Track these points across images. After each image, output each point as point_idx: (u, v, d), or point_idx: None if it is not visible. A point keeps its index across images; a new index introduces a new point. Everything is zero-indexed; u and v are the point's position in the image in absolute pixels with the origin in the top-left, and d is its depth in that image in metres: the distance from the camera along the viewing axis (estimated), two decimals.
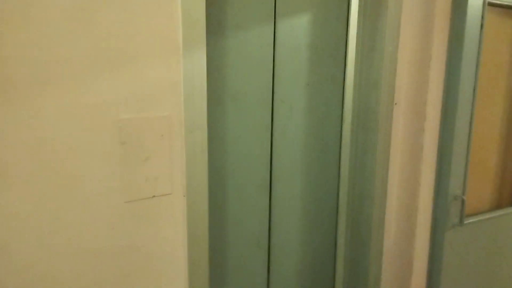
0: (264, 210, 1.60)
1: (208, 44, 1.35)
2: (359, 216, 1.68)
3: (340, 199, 1.76)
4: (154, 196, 1.10)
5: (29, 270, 0.97)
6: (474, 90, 1.66)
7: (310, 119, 1.63)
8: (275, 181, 1.59)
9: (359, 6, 1.59)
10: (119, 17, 1.00)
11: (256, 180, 1.55)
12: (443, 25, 1.63)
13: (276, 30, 1.49)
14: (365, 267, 1.66)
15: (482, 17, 1.62)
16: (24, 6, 0.89)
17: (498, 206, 2.00)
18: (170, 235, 1.14)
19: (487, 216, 1.86)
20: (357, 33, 1.61)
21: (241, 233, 1.55)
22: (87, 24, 0.97)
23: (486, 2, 1.61)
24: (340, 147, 1.73)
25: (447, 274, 1.78)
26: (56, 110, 0.96)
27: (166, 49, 1.07)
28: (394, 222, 1.69)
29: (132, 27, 1.02)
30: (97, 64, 0.99)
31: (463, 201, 1.72)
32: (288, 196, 1.64)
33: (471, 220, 1.80)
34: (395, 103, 1.59)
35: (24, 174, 0.94)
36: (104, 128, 1.02)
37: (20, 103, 0.92)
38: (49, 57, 0.94)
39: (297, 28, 1.54)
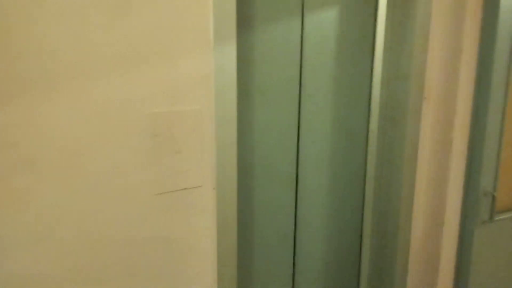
0: (290, 204, 1.60)
1: (236, 38, 1.36)
2: (385, 211, 1.66)
3: (366, 194, 1.75)
4: (185, 188, 1.12)
5: (66, 259, 1.01)
6: (506, 83, 1.62)
7: (337, 113, 1.62)
8: (302, 175, 1.60)
9: None
10: (152, 11, 1.01)
11: (283, 174, 1.55)
12: (475, 16, 1.59)
13: (303, 24, 1.49)
14: (391, 263, 1.65)
15: None
16: (63, 1, 0.91)
17: None
18: (200, 227, 1.16)
19: None
20: (385, 25, 1.59)
21: (267, 226, 1.56)
22: (121, 19, 0.98)
23: None
24: (367, 142, 1.71)
25: (476, 271, 1.74)
26: (91, 104, 0.98)
27: (198, 43, 1.08)
28: (422, 217, 1.67)
29: (164, 21, 1.03)
30: (130, 59, 1.01)
31: (493, 197, 1.69)
32: (314, 190, 1.64)
33: (501, 216, 1.76)
34: (425, 97, 1.56)
35: (60, 167, 0.97)
36: (137, 122, 1.04)
37: (57, 98, 0.94)
38: (85, 52, 0.96)
39: (324, 21, 1.52)
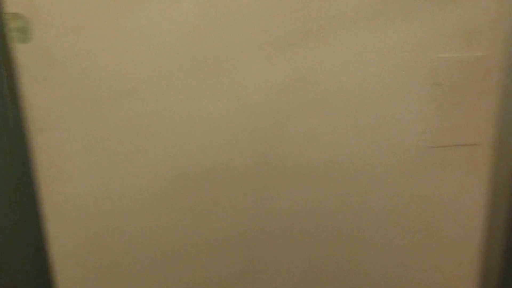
0: None
1: None
2: None
3: None
4: (459, 144, 1.02)
5: (336, 200, 1.03)
6: None
7: None
8: None
9: None
10: None
11: None
12: None
13: None
14: None
15: None
16: None
17: None
18: (471, 188, 1.05)
19: None
20: None
21: None
22: None
23: None
24: None
25: None
26: (373, 48, 0.96)
27: None
28: None
29: None
30: None
31: None
32: None
33: None
34: None
35: (342, 110, 0.97)
36: (418, 67, 0.97)
37: (339, 43, 0.94)
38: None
39: None
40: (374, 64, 0.96)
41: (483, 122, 1.01)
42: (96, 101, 0.89)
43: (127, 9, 0.85)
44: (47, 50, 0.84)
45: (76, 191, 0.94)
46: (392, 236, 1.07)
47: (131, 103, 0.91)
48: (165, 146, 0.95)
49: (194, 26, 0.88)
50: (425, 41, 0.96)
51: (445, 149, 1.02)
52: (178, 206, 0.99)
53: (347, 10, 0.92)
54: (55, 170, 0.92)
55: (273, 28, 0.91)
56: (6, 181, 1.00)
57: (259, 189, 1.00)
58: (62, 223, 0.96)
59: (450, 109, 1.00)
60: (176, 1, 0.86)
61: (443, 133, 1.01)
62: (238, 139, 0.97)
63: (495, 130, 1.02)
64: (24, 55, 0.83)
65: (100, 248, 0.99)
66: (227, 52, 0.91)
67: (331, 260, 1.08)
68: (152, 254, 1.01)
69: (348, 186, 1.03)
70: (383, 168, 1.02)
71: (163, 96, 0.92)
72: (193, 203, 0.99)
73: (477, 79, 0.99)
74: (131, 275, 1.02)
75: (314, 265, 1.08)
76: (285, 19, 0.90)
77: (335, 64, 0.95)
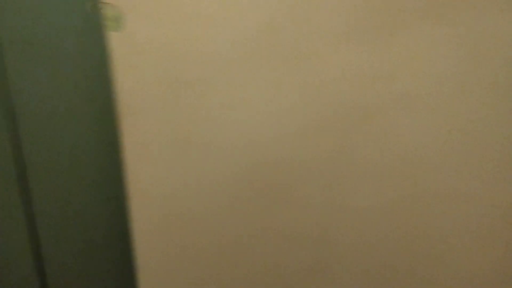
0: None
1: None
2: None
3: None
4: None
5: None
6: None
7: None
8: None
9: None
10: None
11: None
12: None
13: None
14: None
15: None
16: None
17: None
18: None
19: None
20: None
21: None
22: None
23: None
24: None
25: None
26: (464, 41, 0.89)
27: None
28: None
29: None
30: None
31: None
32: None
33: None
34: None
35: (427, 103, 0.93)
36: None
37: (423, 30, 0.88)
38: None
39: None
40: (466, 58, 0.89)
41: None
42: (177, 88, 0.92)
43: None
44: (136, 39, 0.87)
45: (158, 173, 0.99)
46: (474, 244, 1.00)
47: (209, 91, 0.92)
48: (240, 134, 0.96)
49: (273, 13, 0.86)
50: None
51: None
52: (250, 195, 1.00)
53: (438, 0, 0.85)
54: (140, 152, 0.97)
55: (357, 17, 0.87)
56: (96, 161, 1.08)
57: (332, 184, 0.98)
58: (144, 204, 1.02)
59: None
60: None
61: None
62: (315, 131, 0.95)
63: None
64: (116, 43, 0.86)
65: (177, 230, 1.04)
66: (306, 41, 0.89)
67: (402, 262, 1.04)
68: (224, 240, 1.04)
69: (429, 187, 0.97)
70: (470, 170, 0.95)
71: (241, 84, 0.92)
72: (266, 193, 1.00)
73: None
74: (203, 258, 1.06)
75: (384, 266, 1.05)
76: (370, 7, 0.86)
77: (423, 57, 0.89)
